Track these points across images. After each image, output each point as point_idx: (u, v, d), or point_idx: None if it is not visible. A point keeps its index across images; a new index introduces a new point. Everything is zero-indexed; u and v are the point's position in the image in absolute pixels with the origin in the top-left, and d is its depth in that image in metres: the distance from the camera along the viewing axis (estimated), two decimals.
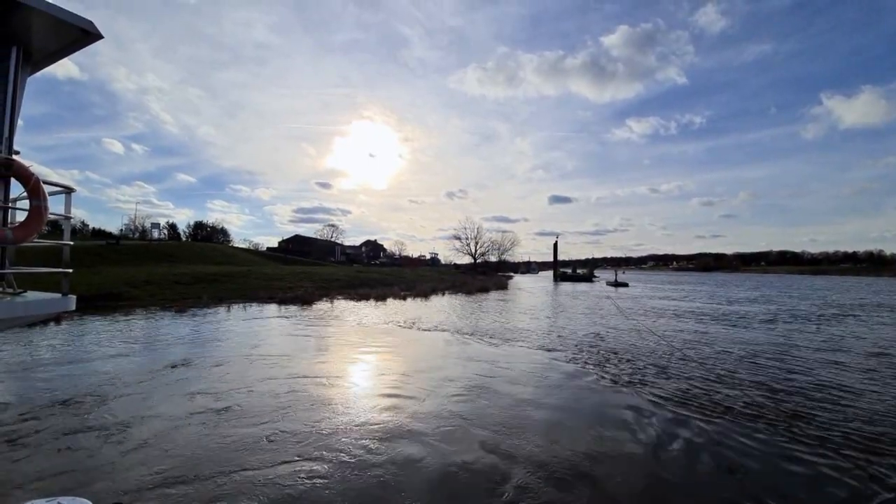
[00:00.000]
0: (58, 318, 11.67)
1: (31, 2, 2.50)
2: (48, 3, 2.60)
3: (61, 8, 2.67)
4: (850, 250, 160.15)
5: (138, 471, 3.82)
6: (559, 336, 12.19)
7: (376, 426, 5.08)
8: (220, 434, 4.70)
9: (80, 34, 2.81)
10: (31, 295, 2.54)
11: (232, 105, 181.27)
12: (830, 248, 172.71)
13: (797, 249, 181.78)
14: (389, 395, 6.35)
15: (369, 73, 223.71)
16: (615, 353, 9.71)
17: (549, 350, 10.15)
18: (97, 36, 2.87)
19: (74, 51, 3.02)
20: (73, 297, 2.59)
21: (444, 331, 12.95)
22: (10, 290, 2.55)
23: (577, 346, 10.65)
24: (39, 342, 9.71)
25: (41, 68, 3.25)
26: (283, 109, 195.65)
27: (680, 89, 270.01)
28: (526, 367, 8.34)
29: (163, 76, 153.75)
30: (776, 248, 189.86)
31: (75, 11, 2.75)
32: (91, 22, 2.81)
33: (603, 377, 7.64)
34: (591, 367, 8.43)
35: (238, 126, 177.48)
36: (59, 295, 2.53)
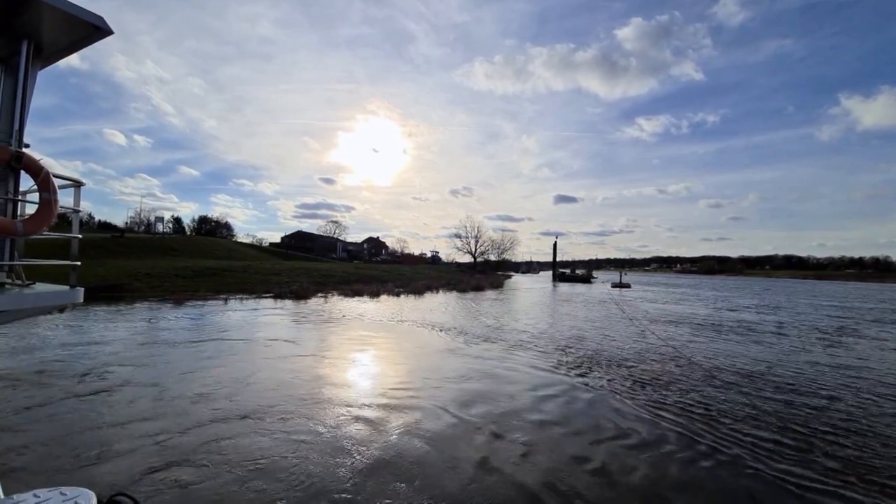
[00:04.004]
0: (62, 308, 12.04)
1: None
2: None
3: (73, 3, 2.69)
4: (857, 256, 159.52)
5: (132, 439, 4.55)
6: (536, 335, 12.43)
7: (335, 399, 6.09)
8: (201, 405, 5.60)
9: (92, 30, 2.81)
10: (40, 287, 2.56)
11: (236, 99, 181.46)
12: (838, 254, 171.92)
13: (804, 254, 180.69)
14: (350, 378, 7.46)
15: (374, 69, 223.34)
16: (580, 354, 9.69)
17: (517, 347, 10.46)
18: (108, 31, 2.89)
19: (85, 46, 3.03)
20: (80, 290, 2.61)
21: (424, 325, 13.49)
22: (20, 282, 2.58)
23: (548, 344, 10.81)
24: (45, 328, 10.15)
25: (51, 63, 3.27)
26: (288, 104, 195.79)
27: (694, 86, 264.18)
28: (491, 362, 8.83)
29: (167, 69, 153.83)
30: (783, 251, 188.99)
31: (82, 5, 2.77)
32: (102, 18, 2.82)
33: (569, 376, 7.88)
34: (554, 363, 8.59)
35: (242, 120, 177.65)
36: (67, 287, 2.56)
